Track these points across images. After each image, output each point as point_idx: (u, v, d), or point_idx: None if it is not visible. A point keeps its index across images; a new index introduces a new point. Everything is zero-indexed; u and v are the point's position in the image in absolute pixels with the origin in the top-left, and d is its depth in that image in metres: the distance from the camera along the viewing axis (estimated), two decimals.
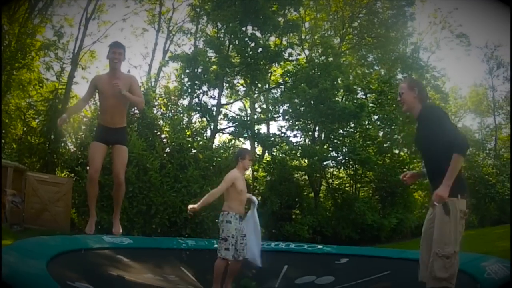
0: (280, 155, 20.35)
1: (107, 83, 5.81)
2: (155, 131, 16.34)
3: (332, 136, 21.34)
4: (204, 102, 20.60)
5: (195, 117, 20.76)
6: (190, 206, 6.84)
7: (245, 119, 22.95)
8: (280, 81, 23.25)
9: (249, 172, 19.99)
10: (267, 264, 7.08)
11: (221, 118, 21.47)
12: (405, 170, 23.35)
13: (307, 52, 24.75)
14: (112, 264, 6.37)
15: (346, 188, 23.30)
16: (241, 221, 6.73)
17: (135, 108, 16.48)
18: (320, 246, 9.75)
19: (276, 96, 23.03)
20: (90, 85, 6.07)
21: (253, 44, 20.10)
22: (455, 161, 3.98)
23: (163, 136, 16.38)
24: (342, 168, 22.86)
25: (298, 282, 7.01)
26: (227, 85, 21.57)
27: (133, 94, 6.00)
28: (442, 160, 4.05)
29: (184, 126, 17.26)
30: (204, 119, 20.77)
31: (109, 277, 5.47)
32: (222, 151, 17.10)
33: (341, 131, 21.33)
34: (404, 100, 4.59)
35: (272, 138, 20.52)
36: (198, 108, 20.18)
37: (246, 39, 20.07)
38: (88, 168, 6.48)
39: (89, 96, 6.20)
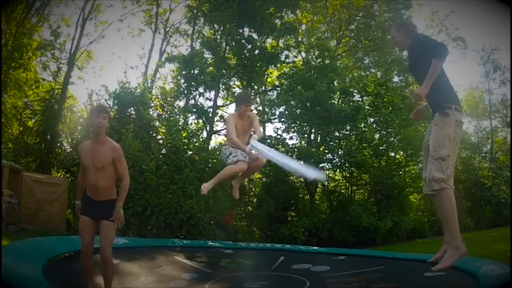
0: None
1: (89, 152, 5.54)
2: (151, 132, 16.35)
3: (328, 139, 21.37)
4: (200, 104, 20.66)
5: (191, 119, 20.80)
6: (247, 149, 6.61)
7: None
8: (277, 83, 23.32)
9: None
10: (263, 257, 7.15)
11: (217, 119, 21.48)
12: (400, 172, 23.51)
13: (303, 54, 24.78)
14: None
15: (342, 191, 23.35)
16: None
17: (131, 109, 16.55)
18: (315, 247, 9.82)
19: (272, 98, 23.03)
20: (78, 156, 5.91)
21: (249, 46, 20.12)
22: (434, 64, 4.48)
23: (159, 137, 16.38)
24: (338, 170, 22.89)
25: (295, 267, 7.03)
26: (224, 86, 21.56)
27: (117, 168, 5.68)
28: (436, 83, 4.55)
29: (180, 127, 17.25)
30: (200, 120, 20.79)
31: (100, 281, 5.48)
32: (218, 152, 17.09)
33: (337, 134, 21.38)
34: (396, 42, 5.15)
35: (268, 140, 20.49)
36: (194, 110, 20.20)
37: (243, 41, 20.10)
38: None
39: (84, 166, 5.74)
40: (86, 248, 5.45)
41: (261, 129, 7.44)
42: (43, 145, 18.26)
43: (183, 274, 6.86)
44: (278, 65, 22.03)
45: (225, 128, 21.06)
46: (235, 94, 23.55)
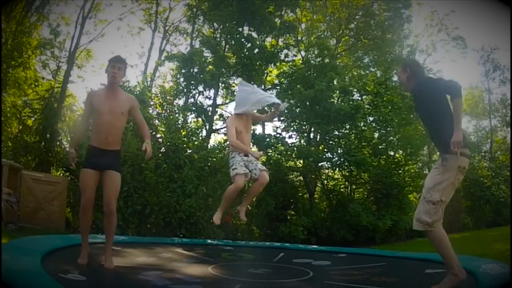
0: (276, 156, 20.33)
1: (103, 99, 5.43)
2: (151, 131, 16.29)
3: (327, 137, 21.36)
4: (200, 102, 20.66)
5: (191, 117, 20.83)
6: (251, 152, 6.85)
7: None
8: (276, 82, 23.32)
9: None
10: (263, 253, 7.16)
11: (217, 118, 21.51)
12: (400, 171, 23.49)
13: (303, 53, 24.76)
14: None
15: (341, 190, 23.34)
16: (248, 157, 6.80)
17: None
18: (315, 246, 9.83)
19: None
20: (86, 103, 5.65)
21: (249, 45, 20.13)
22: (457, 105, 4.34)
23: (158, 135, 16.37)
24: (337, 169, 22.89)
25: (296, 261, 7.04)
26: (223, 85, 21.59)
27: (135, 118, 5.81)
28: (438, 125, 4.56)
29: (179, 126, 17.27)
30: (200, 119, 20.81)
31: (101, 265, 5.42)
32: (217, 151, 17.10)
33: (336, 133, 21.35)
34: (401, 81, 5.08)
35: (268, 139, 20.51)
36: (193, 108, 20.21)
37: (243, 39, 20.11)
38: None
39: (89, 114, 5.63)
40: (87, 204, 5.32)
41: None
42: (43, 143, 18.26)
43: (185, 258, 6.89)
44: (278, 64, 22.06)
45: (224, 127, 21.10)
46: (235, 92, 23.58)
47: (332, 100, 20.34)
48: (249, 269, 6.43)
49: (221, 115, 21.84)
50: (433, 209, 4.38)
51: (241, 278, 5.61)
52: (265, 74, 23.02)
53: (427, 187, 4.51)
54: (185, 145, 16.10)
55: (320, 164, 21.40)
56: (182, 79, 19.87)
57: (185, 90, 19.83)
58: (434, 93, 4.56)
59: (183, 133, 16.74)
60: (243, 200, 7.17)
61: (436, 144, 4.80)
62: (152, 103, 17.74)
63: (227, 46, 20.61)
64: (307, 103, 19.38)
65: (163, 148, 15.85)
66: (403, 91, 19.54)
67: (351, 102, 20.62)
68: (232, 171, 6.62)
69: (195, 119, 21.03)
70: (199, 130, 18.82)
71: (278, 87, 22.19)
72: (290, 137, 21.69)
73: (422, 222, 4.42)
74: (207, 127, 20.44)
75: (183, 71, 19.40)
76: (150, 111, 17.05)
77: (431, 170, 4.67)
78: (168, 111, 18.25)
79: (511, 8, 5.46)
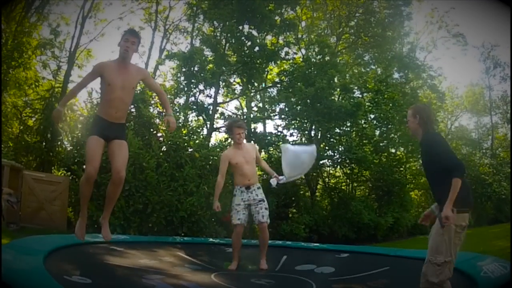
0: (277, 154, 20.32)
1: (116, 72, 5.24)
2: (152, 130, 16.32)
3: (328, 135, 21.37)
4: (201, 101, 20.62)
5: (192, 116, 20.81)
6: (215, 206, 7.20)
7: (242, 118, 22.97)
8: (277, 80, 23.31)
9: None
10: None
11: (218, 116, 21.50)
12: (401, 169, 23.48)
13: (303, 51, 24.73)
14: (108, 253, 6.32)
15: (343, 187, 23.33)
16: (249, 191, 7.18)
17: (131, 107, 16.51)
18: (316, 244, 9.80)
19: (272, 95, 23.06)
20: (93, 72, 5.37)
21: (249, 43, 20.11)
22: (455, 185, 4.31)
23: (159, 134, 16.35)
24: (339, 167, 22.93)
25: (299, 268, 7.02)
26: (224, 83, 21.59)
27: (150, 87, 5.90)
28: (441, 182, 4.43)
29: (180, 124, 17.24)
30: (201, 117, 20.80)
31: (105, 267, 5.41)
32: (218, 149, 17.08)
33: (337, 130, 21.34)
34: (409, 126, 5.01)
35: (269, 137, 20.51)
36: (194, 107, 20.19)
37: (243, 38, 20.09)
38: (85, 166, 5.31)
39: (87, 82, 5.52)
40: (94, 172, 5.09)
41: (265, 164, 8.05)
42: (44, 143, 18.27)
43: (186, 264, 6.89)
44: (278, 62, 22.01)
45: (225, 125, 21.10)
46: (235, 91, 23.60)
47: (333, 97, 20.31)
48: (251, 279, 6.43)
49: (222, 114, 21.86)
50: (438, 270, 4.40)
51: None
52: (266, 72, 23.00)
53: (431, 248, 4.56)
54: (186, 144, 16.08)
55: (321, 162, 21.38)
56: (182, 78, 19.85)
57: (185, 88, 19.81)
58: (439, 149, 4.58)
59: (184, 132, 16.72)
60: (260, 252, 7.27)
61: (438, 201, 4.74)
62: (153, 102, 17.70)
63: (227, 45, 20.57)
64: (308, 101, 19.37)
65: (164, 147, 15.84)
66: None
67: (352, 100, 20.62)
68: (232, 220, 7.16)
69: (196, 118, 21.04)
70: (200, 128, 18.81)
71: (279, 85, 22.19)
72: (291, 135, 21.69)
73: (429, 283, 4.44)
74: (208, 125, 20.42)
75: (184, 69, 19.37)
76: (151, 110, 17.02)
77: (433, 227, 4.70)
78: None
79: (511, 8, 5.43)
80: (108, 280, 5.08)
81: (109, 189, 5.34)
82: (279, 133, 21.17)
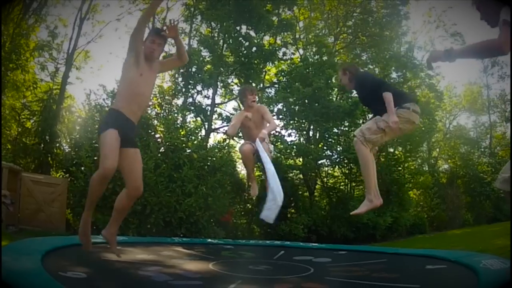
0: (275, 154, 20.35)
1: (147, 71, 4.82)
2: (150, 131, 16.33)
3: (326, 135, 21.38)
4: (198, 102, 20.68)
5: (190, 117, 20.87)
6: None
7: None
8: (275, 80, 23.35)
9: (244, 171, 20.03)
10: (264, 251, 7.18)
11: (216, 117, 21.53)
12: (400, 168, 23.51)
13: (301, 51, 24.76)
14: (105, 251, 6.30)
15: (341, 187, 23.36)
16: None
17: None
18: (315, 244, 9.83)
19: (270, 95, 23.05)
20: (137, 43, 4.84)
21: (247, 43, 20.15)
22: (387, 97, 5.21)
23: (157, 135, 16.37)
24: (337, 167, 22.93)
25: (296, 258, 7.04)
26: (221, 84, 21.63)
27: (168, 62, 5.56)
28: (378, 106, 5.35)
29: (178, 125, 17.26)
30: (199, 118, 20.83)
31: (101, 262, 5.39)
32: (216, 150, 17.10)
33: (335, 130, 21.38)
34: (342, 83, 6.00)
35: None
36: (192, 108, 20.23)
37: (240, 38, 20.12)
38: (100, 162, 4.47)
39: (145, 23, 5.00)
40: (113, 169, 4.38)
41: (275, 121, 7.49)
42: (42, 145, 18.22)
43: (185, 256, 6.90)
44: (276, 62, 22.07)
45: (223, 126, 21.14)
46: (233, 91, 23.61)
47: (330, 97, 20.38)
48: (249, 265, 6.43)
49: (220, 114, 21.87)
50: (375, 131, 5.30)
51: (241, 275, 5.60)
52: (264, 73, 23.02)
53: (367, 129, 5.43)
54: (184, 145, 16.10)
55: (319, 162, 21.42)
56: (180, 79, 19.88)
57: (183, 89, 19.83)
58: (373, 88, 5.44)
59: (182, 133, 16.73)
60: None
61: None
62: (150, 103, 17.73)
63: (225, 45, 20.60)
64: (306, 101, 19.42)
65: (162, 148, 15.85)
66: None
67: (349, 99, 20.61)
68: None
69: (194, 119, 21.08)
70: (198, 129, 18.82)
71: (277, 86, 22.22)
72: (289, 135, 21.76)
73: (361, 135, 5.32)
74: (206, 126, 20.44)
75: (181, 70, 19.39)
76: (149, 111, 17.04)
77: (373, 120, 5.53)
78: (167, 111, 18.27)
79: (511, 8, 5.44)
80: (104, 274, 5.06)
81: (124, 203, 4.89)
82: (277, 133, 21.17)
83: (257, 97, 7.14)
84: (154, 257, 6.37)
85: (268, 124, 6.93)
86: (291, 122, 21.42)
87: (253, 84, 21.64)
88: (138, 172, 4.72)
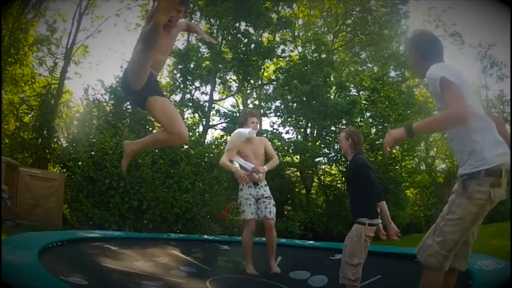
0: None
1: (166, 38, 4.55)
2: (147, 127, 16.36)
3: (324, 133, 21.41)
4: (196, 98, 20.68)
5: (187, 113, 20.87)
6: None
7: (237, 115, 23.01)
8: (273, 77, 23.37)
9: None
10: (259, 256, 7.14)
11: (213, 114, 21.60)
12: (397, 167, 23.50)
13: (300, 48, 24.79)
14: (103, 254, 6.29)
15: (338, 185, 23.35)
16: (257, 187, 6.92)
17: (127, 104, 16.58)
18: (311, 242, 9.83)
19: (268, 92, 23.07)
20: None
21: (246, 40, 20.12)
22: (383, 208, 5.41)
23: (155, 131, 16.38)
24: (334, 165, 22.94)
25: (292, 276, 7.00)
26: (220, 81, 21.62)
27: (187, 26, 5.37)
28: (359, 198, 5.47)
29: None
30: (196, 114, 20.85)
31: (101, 268, 5.40)
32: (214, 147, 17.15)
33: (333, 128, 21.36)
34: (341, 146, 5.79)
35: (264, 134, 20.50)
36: (190, 104, 20.24)
37: (239, 35, 20.11)
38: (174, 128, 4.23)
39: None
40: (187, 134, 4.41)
41: (276, 157, 7.39)
42: (40, 140, 18.24)
43: (181, 266, 6.82)
44: (275, 60, 22.06)
45: (221, 122, 21.16)
46: (231, 88, 23.62)
47: (328, 95, 20.35)
48: (246, 282, 6.42)
49: (217, 111, 21.90)
50: (354, 269, 5.11)
51: None
52: (262, 70, 23.03)
53: (348, 252, 5.34)
54: None
55: (317, 160, 21.46)
56: (178, 75, 19.86)
57: (181, 85, 19.82)
58: (363, 174, 5.31)
59: None
60: (269, 254, 7.03)
61: (351, 209, 5.81)
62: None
63: (223, 42, 20.62)
64: (304, 98, 19.42)
65: None
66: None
67: (347, 98, 20.63)
68: (242, 213, 6.79)
69: (192, 115, 21.09)
70: (196, 125, 18.86)
71: (275, 83, 22.22)
72: (286, 132, 21.77)
73: (348, 280, 5.11)
74: (204, 122, 20.47)
75: (180, 66, 19.37)
76: None
77: (348, 235, 5.56)
78: None
79: (511, 7, 5.46)
80: (106, 282, 5.08)
81: (162, 137, 4.54)
82: (275, 131, 21.21)
83: (258, 123, 7.12)
84: (152, 267, 6.33)
85: (270, 160, 7.18)
86: (288, 119, 21.45)
87: (251, 81, 21.69)
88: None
